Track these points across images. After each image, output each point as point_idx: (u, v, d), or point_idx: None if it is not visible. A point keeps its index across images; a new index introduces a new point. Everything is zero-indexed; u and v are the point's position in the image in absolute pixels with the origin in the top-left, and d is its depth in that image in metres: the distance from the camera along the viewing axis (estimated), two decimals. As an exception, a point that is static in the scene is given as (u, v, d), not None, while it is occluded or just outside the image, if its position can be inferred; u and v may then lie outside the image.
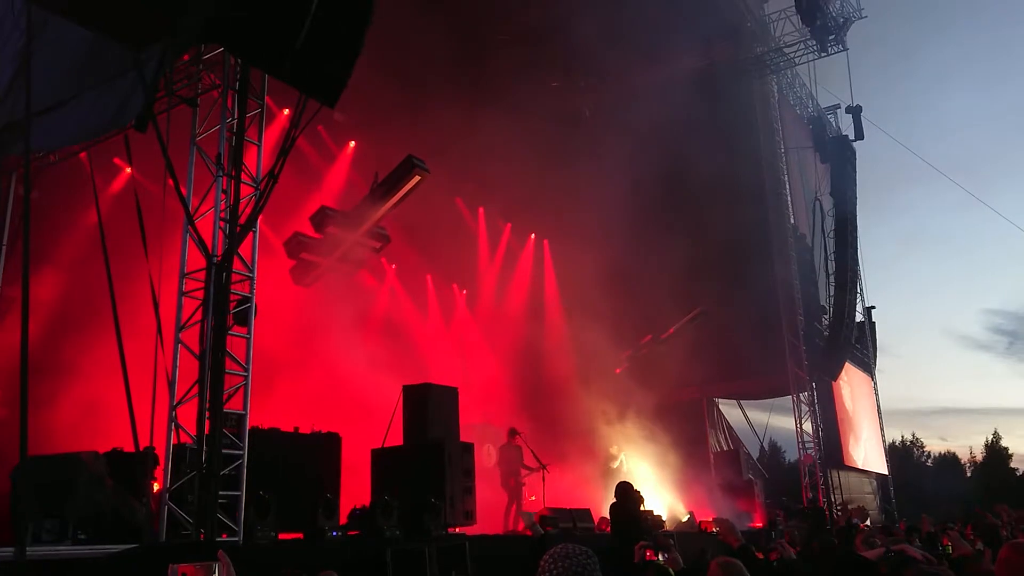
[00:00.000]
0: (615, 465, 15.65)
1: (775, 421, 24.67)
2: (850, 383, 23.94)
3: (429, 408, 10.38)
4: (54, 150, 9.33)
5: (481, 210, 19.55)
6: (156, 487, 7.99)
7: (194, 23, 6.77)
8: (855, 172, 22.67)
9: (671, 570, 5.08)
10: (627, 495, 10.08)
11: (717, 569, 4.13)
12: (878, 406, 27.46)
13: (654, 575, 4.97)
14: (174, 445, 7.20)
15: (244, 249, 7.43)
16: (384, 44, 12.39)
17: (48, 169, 10.42)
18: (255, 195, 7.40)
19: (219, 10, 6.83)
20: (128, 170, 11.54)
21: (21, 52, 7.53)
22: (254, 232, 7.38)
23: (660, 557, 5.56)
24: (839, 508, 19.41)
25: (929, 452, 55.75)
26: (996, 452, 53.03)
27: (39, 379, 8.59)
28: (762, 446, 26.57)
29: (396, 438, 10.61)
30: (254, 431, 8.16)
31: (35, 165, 8.98)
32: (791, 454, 31.97)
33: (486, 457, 13.70)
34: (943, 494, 33.97)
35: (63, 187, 10.90)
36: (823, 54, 20.94)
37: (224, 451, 6.95)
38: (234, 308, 7.16)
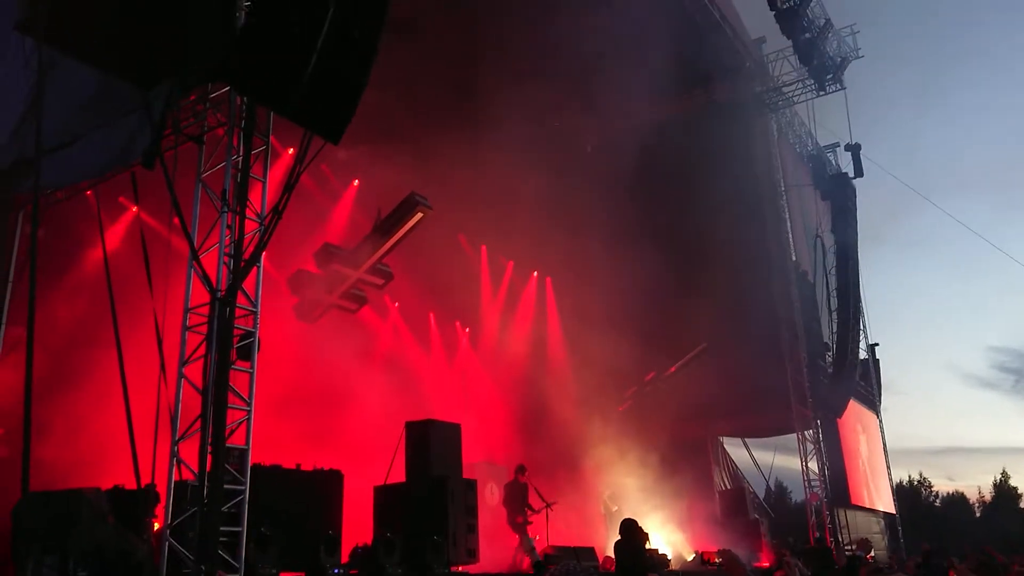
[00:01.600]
0: (615, 509, 15.48)
1: (781, 461, 24.52)
2: (855, 420, 23.79)
3: (432, 444, 10.34)
4: (62, 187, 9.44)
5: (483, 247, 19.64)
6: (157, 525, 7.94)
7: (201, 63, 6.91)
8: (855, 209, 22.80)
9: None
10: (632, 533, 9.96)
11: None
12: (884, 444, 27.26)
13: None
14: (176, 482, 7.18)
15: (248, 284, 7.48)
16: (387, 83, 12.60)
17: (54, 207, 10.53)
18: (259, 231, 7.47)
19: (225, 50, 6.98)
20: (134, 209, 11.66)
21: (32, 91, 7.67)
22: (258, 267, 7.44)
23: None
24: (848, 548, 19.16)
25: (937, 492, 55.19)
26: (1005, 492, 52.47)
27: (41, 415, 8.59)
28: (768, 486, 26.39)
29: (399, 475, 10.55)
30: (256, 468, 8.13)
31: (43, 203, 9.07)
32: (797, 495, 31.68)
33: (489, 496, 13.60)
34: (953, 535, 33.56)
35: (69, 225, 11.01)
36: (821, 93, 21.20)
37: (226, 487, 6.93)
38: (237, 343, 7.17)
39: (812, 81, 20.91)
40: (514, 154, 15.87)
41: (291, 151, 11.98)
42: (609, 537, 13.48)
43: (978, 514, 52.96)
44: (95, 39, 6.90)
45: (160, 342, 7.51)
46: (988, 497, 53.78)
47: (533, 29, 15.31)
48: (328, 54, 6.94)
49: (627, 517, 10.76)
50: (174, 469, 7.01)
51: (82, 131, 8.18)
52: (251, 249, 7.32)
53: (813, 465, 20.37)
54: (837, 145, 24.50)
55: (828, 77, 20.70)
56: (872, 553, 18.52)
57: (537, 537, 13.09)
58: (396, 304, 17.50)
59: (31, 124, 7.75)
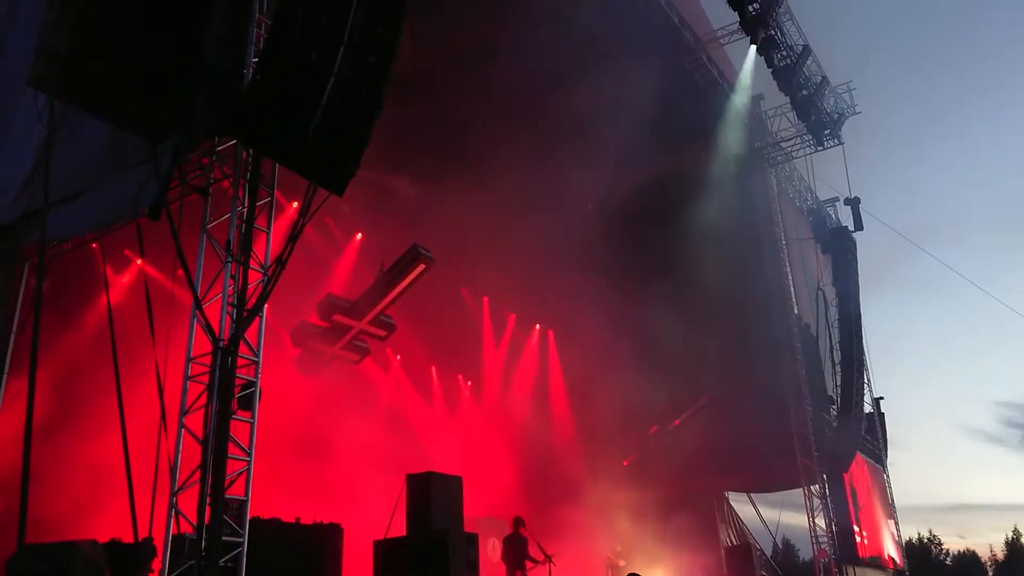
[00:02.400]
0: (622, 564, 15.24)
1: (788, 519, 24.10)
2: (862, 475, 23.51)
3: (433, 497, 10.22)
4: (69, 239, 9.53)
5: (486, 300, 19.70)
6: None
7: (208, 118, 7.06)
8: (856, 262, 22.90)
9: None
10: (636, 588, 9.81)
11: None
12: (892, 499, 26.88)
13: None
14: (173, 535, 7.10)
15: (251, 335, 7.51)
16: (391, 138, 12.81)
17: (58, 260, 10.61)
18: (263, 281, 7.52)
19: (232, 105, 7.13)
20: (138, 262, 11.77)
21: (42, 144, 7.81)
22: (260, 317, 7.47)
23: None
24: None
25: (947, 550, 54.19)
26: (1017, 550, 51.51)
27: (40, 467, 8.54)
28: (775, 543, 25.93)
29: (400, 528, 10.42)
30: (255, 521, 8.04)
31: (49, 254, 9.15)
32: (806, 553, 31.11)
33: (491, 551, 13.39)
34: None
35: (74, 277, 11.10)
36: (819, 148, 21.46)
37: (224, 539, 6.85)
38: (238, 392, 7.17)
39: (810, 136, 21.19)
40: (515, 208, 16.04)
41: (295, 205, 12.12)
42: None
43: (991, 573, 51.90)
44: (106, 94, 7.05)
45: (161, 392, 7.52)
46: (1000, 555, 52.77)
47: (536, 86, 15.59)
48: (333, 109, 7.09)
49: (632, 572, 10.61)
50: (172, 521, 6.93)
51: (90, 184, 8.29)
52: (254, 299, 7.37)
53: (820, 520, 20.06)
54: (836, 199, 24.74)
55: (826, 133, 20.98)
56: None
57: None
58: (398, 357, 17.49)
59: (40, 177, 7.88)
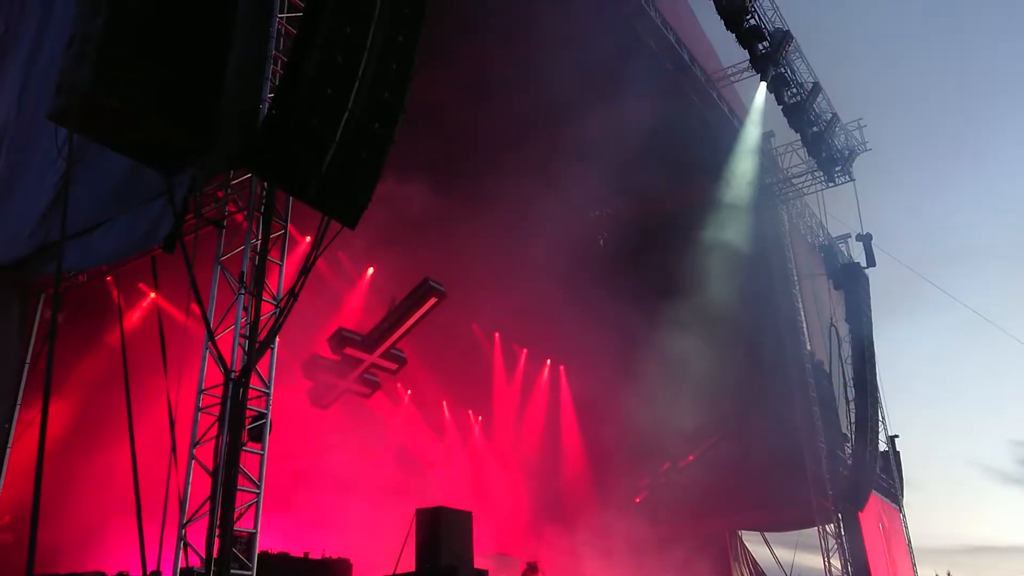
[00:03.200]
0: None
1: (803, 560, 23.68)
2: (878, 514, 23.14)
3: (442, 532, 10.15)
4: (84, 270, 9.62)
5: (497, 335, 19.70)
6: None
7: (224, 151, 7.17)
8: (869, 298, 22.73)
9: None
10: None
11: None
12: (908, 540, 26.41)
13: None
14: (181, 569, 7.06)
15: (262, 367, 7.53)
16: (404, 172, 12.94)
17: (73, 292, 10.70)
18: (275, 313, 7.57)
19: (248, 139, 7.24)
20: (152, 295, 11.85)
21: (61, 178, 7.92)
22: (272, 349, 7.50)
23: None
24: None
25: (967, 593, 53.04)
26: (1038, 593, 50.38)
27: (49, 498, 8.53)
28: (790, 584, 25.45)
29: (409, 563, 10.32)
30: (263, 556, 8.00)
31: (64, 285, 9.26)
32: (821, 594, 30.51)
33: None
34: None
35: (87, 309, 11.19)
36: (831, 184, 21.48)
37: (232, 572, 6.81)
38: (249, 424, 7.18)
39: (821, 173, 21.23)
40: (527, 242, 16.11)
41: (308, 239, 12.22)
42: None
43: (1011, 618, 50.74)
44: (124, 129, 7.16)
45: (172, 423, 7.54)
46: (1022, 599, 51.63)
47: (546, 121, 15.74)
48: (347, 144, 7.20)
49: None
50: (181, 554, 6.91)
51: (106, 217, 8.40)
52: (266, 331, 7.40)
53: (836, 561, 19.72)
54: (848, 235, 24.65)
55: (837, 169, 20.99)
56: None
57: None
58: (409, 391, 17.47)
59: (57, 211, 7.98)
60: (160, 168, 7.42)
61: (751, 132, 19.65)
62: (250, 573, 7.02)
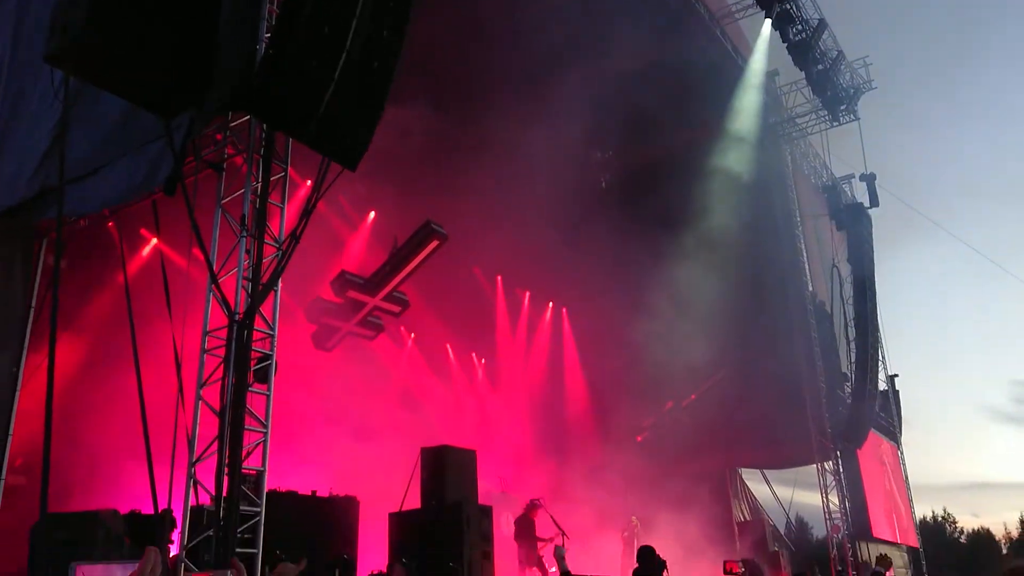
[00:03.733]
0: (638, 533, 15.35)
1: (802, 497, 24.13)
2: (876, 452, 23.48)
3: (447, 471, 10.34)
4: (85, 215, 9.62)
5: (499, 278, 19.73)
6: (172, 551, 7.97)
7: (221, 93, 7.09)
8: (871, 238, 22.70)
9: None
10: (650, 561, 9.87)
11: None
12: (906, 477, 26.84)
13: None
14: (192, 507, 7.22)
15: (266, 309, 7.58)
16: (404, 115, 12.83)
17: (75, 239, 10.71)
18: (277, 255, 7.58)
19: (245, 81, 7.16)
20: (154, 241, 11.85)
21: (58, 122, 7.87)
22: (275, 291, 7.53)
23: None
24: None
25: (962, 528, 54.14)
26: (1032, 528, 51.36)
27: (60, 442, 8.66)
28: (788, 520, 25.96)
29: (414, 501, 10.54)
30: (272, 494, 8.16)
31: (66, 230, 9.26)
32: (819, 531, 31.16)
33: (505, 526, 13.51)
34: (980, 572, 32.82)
35: (90, 256, 11.21)
36: (835, 124, 21.28)
37: (241, 510, 6.95)
38: (255, 365, 7.26)
39: (826, 112, 21.01)
40: (528, 187, 16.03)
41: (309, 183, 12.17)
42: (628, 568, 13.35)
43: (1005, 551, 51.80)
44: (121, 71, 7.10)
45: (179, 365, 7.62)
46: (1015, 534, 52.66)
47: (548, 60, 15.52)
48: (345, 84, 7.11)
49: (645, 546, 10.68)
50: (191, 491, 7.05)
51: (105, 161, 8.37)
52: (269, 273, 7.43)
53: (833, 497, 20.09)
54: (852, 176, 24.50)
55: (841, 108, 20.79)
56: (892, 570, 18.16)
57: (555, 569, 12.98)
58: (412, 335, 17.58)
59: (55, 155, 7.95)
60: (158, 110, 7.37)
61: (755, 70, 19.39)
62: (259, 510, 7.17)
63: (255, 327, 7.31)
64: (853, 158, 24.08)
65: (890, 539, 23.28)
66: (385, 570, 8.95)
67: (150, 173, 7.93)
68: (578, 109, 16.67)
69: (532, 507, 12.93)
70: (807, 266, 21.18)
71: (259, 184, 7.70)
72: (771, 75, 21.55)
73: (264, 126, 7.78)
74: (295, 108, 7.11)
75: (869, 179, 23.01)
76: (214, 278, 7.24)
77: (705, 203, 18.65)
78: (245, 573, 2.16)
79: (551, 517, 12.85)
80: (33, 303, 10.04)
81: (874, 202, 22.91)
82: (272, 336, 7.59)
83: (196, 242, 7.07)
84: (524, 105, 15.27)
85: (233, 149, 8.14)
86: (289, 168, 8.33)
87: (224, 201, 7.82)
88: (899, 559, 24.60)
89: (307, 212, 7.31)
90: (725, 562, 12.36)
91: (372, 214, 16.19)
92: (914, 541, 25.92)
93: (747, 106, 19.77)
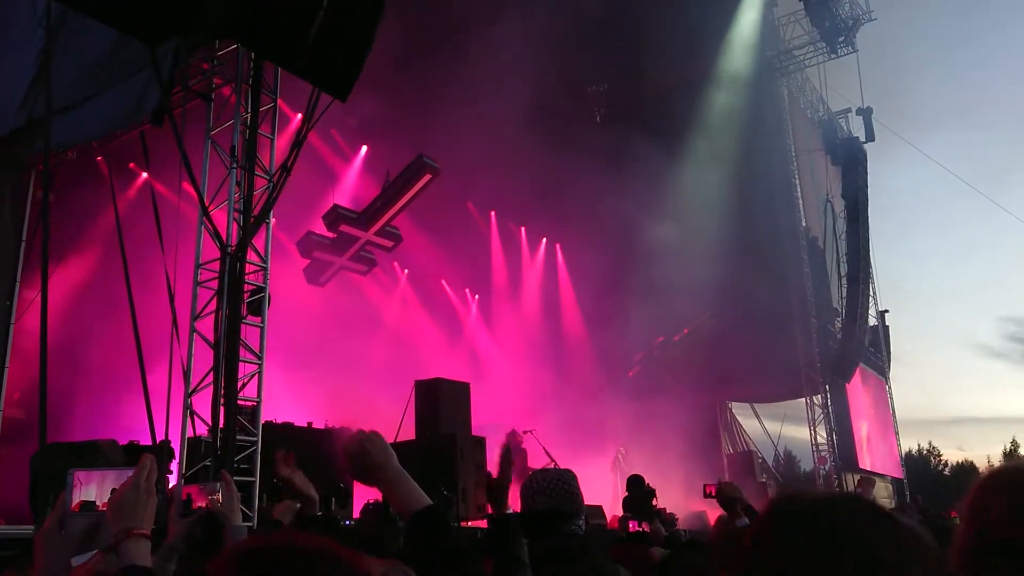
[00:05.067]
0: (622, 461, 15.68)
1: (791, 432, 24.55)
2: (864, 386, 23.82)
3: (441, 402, 10.46)
4: (73, 146, 9.51)
5: (493, 214, 19.67)
6: (171, 482, 8.11)
7: (208, 20, 6.94)
8: (866, 174, 22.63)
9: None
10: (638, 489, 10.12)
11: (719, 523, 4.21)
12: (893, 411, 27.30)
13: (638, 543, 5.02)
14: (189, 438, 7.32)
15: (258, 242, 7.57)
16: (393, 49, 12.59)
17: (65, 172, 10.59)
18: (268, 187, 7.54)
19: (232, 7, 7.00)
20: (144, 175, 11.74)
21: (42, 52, 7.72)
22: (267, 223, 7.52)
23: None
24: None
25: (946, 461, 55.32)
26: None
27: (56, 375, 8.72)
28: (777, 453, 26.46)
29: (409, 432, 10.69)
30: (268, 425, 8.27)
31: (53, 162, 9.16)
32: (807, 464, 31.77)
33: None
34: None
35: (80, 190, 11.10)
36: (833, 56, 21.01)
37: (238, 439, 7.07)
38: (248, 298, 7.28)
39: (823, 44, 20.71)
40: (522, 122, 15.84)
41: (300, 117, 12.04)
42: (619, 498, 13.65)
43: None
44: (103, -5, 6.93)
45: (172, 297, 7.63)
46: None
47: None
48: (335, 10, 6.97)
49: (634, 474, 10.92)
50: (188, 421, 7.15)
51: (92, 91, 8.23)
52: (260, 206, 7.40)
53: (821, 430, 20.47)
54: (849, 111, 24.32)
55: (840, 40, 20.49)
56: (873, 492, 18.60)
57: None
58: (406, 270, 17.60)
59: (42, 85, 7.82)
60: (143, 37, 7.21)
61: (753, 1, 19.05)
62: (255, 439, 7.28)
63: (248, 260, 7.31)
64: (850, 92, 23.86)
65: (875, 471, 23.80)
66: (380, 499, 9.12)
67: (137, 104, 7.82)
68: (573, 41, 16.40)
69: (522, 438, 13.10)
70: (801, 201, 21.14)
71: (248, 115, 7.62)
72: (769, 5, 21.18)
73: (252, 55, 7.65)
74: (283, 36, 6.98)
75: (865, 113, 22.85)
76: (205, 210, 7.22)
77: (699, 138, 18.51)
78: (234, 485, 2.19)
79: (543, 447, 13.08)
80: (24, 236, 10.00)
81: (870, 136, 22.80)
82: (265, 269, 7.60)
83: (186, 173, 7.02)
84: (514, 38, 14.98)
85: (221, 79, 8.03)
86: (279, 100, 8.23)
87: (213, 132, 7.75)
88: (883, 490, 25.18)
89: (298, 143, 7.25)
90: (705, 486, 12.54)
91: (364, 148, 16.02)
92: (899, 472, 26.50)
93: (744, 38, 19.47)
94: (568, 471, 2.53)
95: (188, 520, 2.15)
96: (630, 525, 5.57)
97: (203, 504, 2.17)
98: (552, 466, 12.90)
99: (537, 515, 2.42)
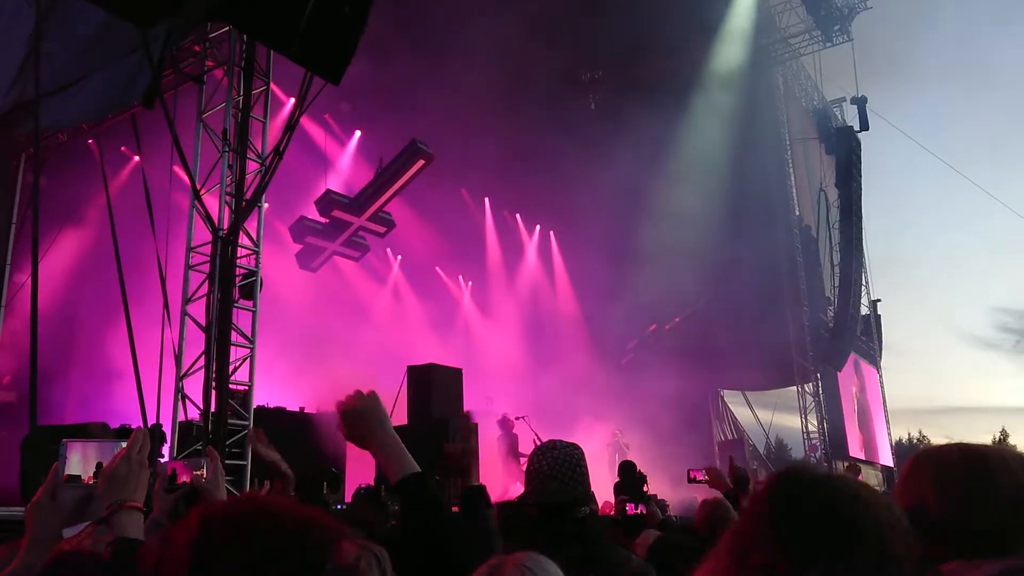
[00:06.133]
0: (620, 446, 15.75)
1: (782, 420, 24.65)
2: (856, 375, 23.92)
3: (433, 388, 10.48)
4: (63, 128, 9.46)
5: (486, 201, 19.65)
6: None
7: (200, 1, 6.88)
8: (860, 163, 22.62)
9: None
10: (630, 474, 10.15)
11: (703, 506, 4.24)
12: (884, 400, 27.43)
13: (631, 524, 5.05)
14: (181, 422, 7.31)
15: (250, 225, 7.55)
16: (391, 35, 12.54)
17: (56, 157, 10.54)
18: (260, 171, 7.51)
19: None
20: (136, 159, 11.69)
21: (32, 34, 7.65)
22: (259, 207, 7.49)
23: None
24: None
25: (936, 449, 55.67)
26: (1003, 449, 52.85)
27: (48, 358, 8.71)
28: (768, 440, 26.59)
29: (401, 417, 10.70)
30: (260, 410, 8.27)
31: (44, 144, 9.11)
32: (797, 452, 31.96)
33: (495, 441, 13.79)
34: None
35: (71, 173, 11.06)
36: (828, 44, 20.97)
37: (229, 423, 7.06)
38: (240, 282, 7.26)
39: (819, 32, 20.67)
40: (516, 109, 15.82)
41: (293, 101, 11.97)
42: (610, 484, 13.70)
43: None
44: (93, -24, 6.86)
45: (163, 281, 7.61)
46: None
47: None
48: (328, -7, 6.91)
49: (626, 460, 10.96)
50: (179, 405, 7.14)
51: (82, 73, 8.18)
52: (252, 189, 7.37)
53: (812, 419, 20.55)
54: (843, 100, 24.29)
55: (835, 28, 20.46)
56: (860, 477, 18.74)
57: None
58: (399, 256, 17.58)
59: (31, 67, 7.75)
60: (134, 19, 7.15)
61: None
62: (246, 423, 7.28)
63: (240, 244, 7.29)
64: (845, 81, 23.84)
65: (866, 459, 23.93)
66: (372, 484, 9.14)
67: (128, 85, 7.78)
68: (566, 25, 16.34)
69: (513, 423, 13.17)
70: (794, 189, 21.14)
71: (240, 98, 7.57)
72: (765, -7, 21.11)
73: (244, 37, 7.60)
74: (276, 18, 6.92)
75: (860, 102, 22.83)
76: (196, 193, 7.19)
77: (694, 125, 18.50)
78: (219, 459, 2.19)
79: (534, 433, 13.11)
80: (14, 219, 9.96)
81: (864, 126, 22.78)
82: (257, 253, 7.58)
83: (177, 156, 6.98)
84: (509, 23, 14.91)
85: (213, 62, 7.98)
86: (272, 83, 8.18)
87: (205, 115, 7.70)
88: (873, 478, 25.33)
89: (290, 126, 7.21)
90: (689, 471, 12.60)
91: (358, 133, 15.96)
92: (889, 461, 26.65)
93: (739, 25, 19.42)
94: (575, 447, 2.51)
95: (172, 496, 2.15)
96: (627, 508, 5.60)
97: (187, 480, 2.17)
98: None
99: (550, 506, 2.41)
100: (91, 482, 1.68)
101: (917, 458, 1.61)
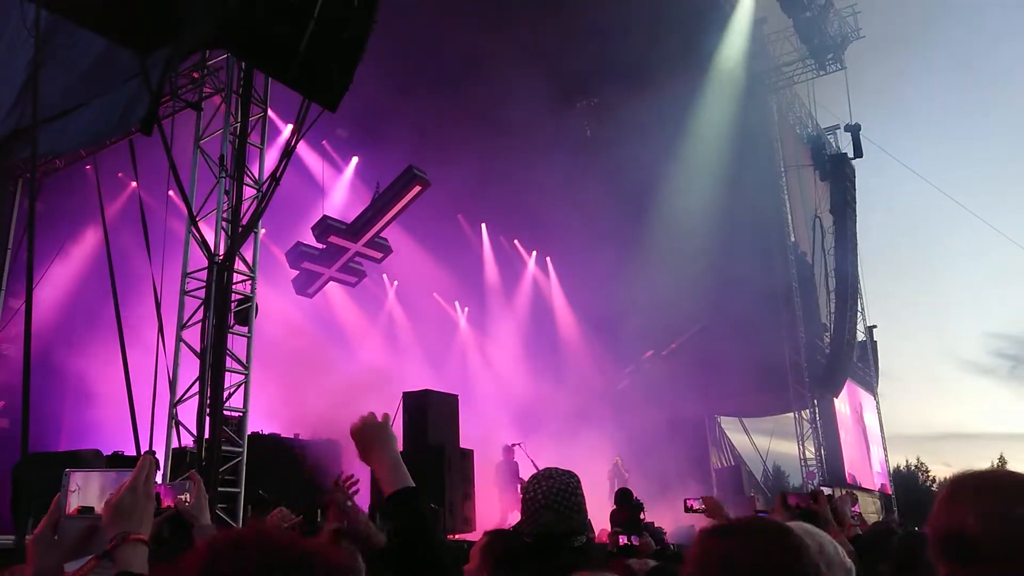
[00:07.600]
0: (626, 474, 15.66)
1: (779, 447, 24.54)
2: (852, 401, 23.88)
3: (429, 414, 10.42)
4: (60, 154, 9.48)
5: (483, 226, 19.69)
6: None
7: (199, 28, 6.93)
8: (854, 190, 22.75)
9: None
10: (626, 501, 10.09)
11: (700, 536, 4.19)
12: (881, 426, 27.36)
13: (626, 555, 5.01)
14: (174, 449, 7.26)
15: (247, 251, 7.54)
16: (388, 63, 12.62)
17: (52, 182, 10.56)
18: (257, 197, 7.52)
19: (223, 16, 6.99)
20: (133, 184, 11.70)
21: (31, 61, 7.68)
22: (256, 233, 7.49)
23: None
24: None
25: (934, 477, 55.39)
26: (1001, 476, 52.62)
27: (42, 384, 8.65)
28: (765, 468, 26.47)
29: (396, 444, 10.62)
30: (254, 436, 8.21)
31: (41, 170, 9.12)
32: (795, 479, 31.81)
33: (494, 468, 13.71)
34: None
35: (68, 199, 11.07)
36: (821, 73, 21.17)
37: (223, 450, 7.01)
38: (235, 308, 7.24)
39: (812, 61, 20.88)
40: (511, 136, 15.89)
41: (290, 127, 12.03)
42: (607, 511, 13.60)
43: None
44: (93, 4, 6.91)
45: (159, 306, 7.58)
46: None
47: (528, 8, 15.27)
48: (326, 21, 6.96)
49: (622, 488, 10.90)
50: (173, 432, 7.09)
51: (81, 100, 8.20)
52: (249, 215, 7.38)
53: (810, 445, 20.46)
54: (837, 127, 24.48)
55: (828, 57, 20.66)
56: (857, 505, 18.58)
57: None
58: (395, 282, 17.58)
59: (29, 94, 7.78)
60: (133, 47, 7.19)
61: (742, 17, 19.20)
62: (240, 450, 7.23)
63: (235, 269, 7.28)
64: (839, 108, 24.04)
65: (864, 486, 23.82)
66: (367, 511, 9.07)
67: (126, 112, 7.80)
68: (565, 52, 16.47)
69: (510, 451, 13.11)
70: (789, 216, 21.24)
71: (238, 124, 7.60)
72: (759, 23, 21.31)
73: (243, 65, 7.64)
74: (274, 46, 6.97)
75: (853, 130, 23.00)
76: (193, 219, 7.19)
77: (688, 153, 18.59)
78: (202, 483, 2.19)
79: (531, 460, 13.03)
80: (10, 245, 9.94)
81: (858, 153, 22.93)
82: (252, 279, 7.57)
83: (174, 181, 6.99)
84: (503, 49, 15.02)
85: (211, 88, 8.02)
86: (269, 110, 8.22)
87: (202, 141, 7.73)
88: (871, 505, 25.19)
89: (287, 153, 7.23)
90: (686, 500, 12.53)
91: (355, 159, 16.03)
92: (887, 488, 26.53)
93: (733, 54, 19.60)
94: (571, 475, 2.50)
95: (156, 520, 2.12)
96: (620, 539, 5.56)
97: (171, 504, 2.14)
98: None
99: (545, 536, 2.39)
100: (96, 514, 1.65)
101: (957, 482, 1.60)
